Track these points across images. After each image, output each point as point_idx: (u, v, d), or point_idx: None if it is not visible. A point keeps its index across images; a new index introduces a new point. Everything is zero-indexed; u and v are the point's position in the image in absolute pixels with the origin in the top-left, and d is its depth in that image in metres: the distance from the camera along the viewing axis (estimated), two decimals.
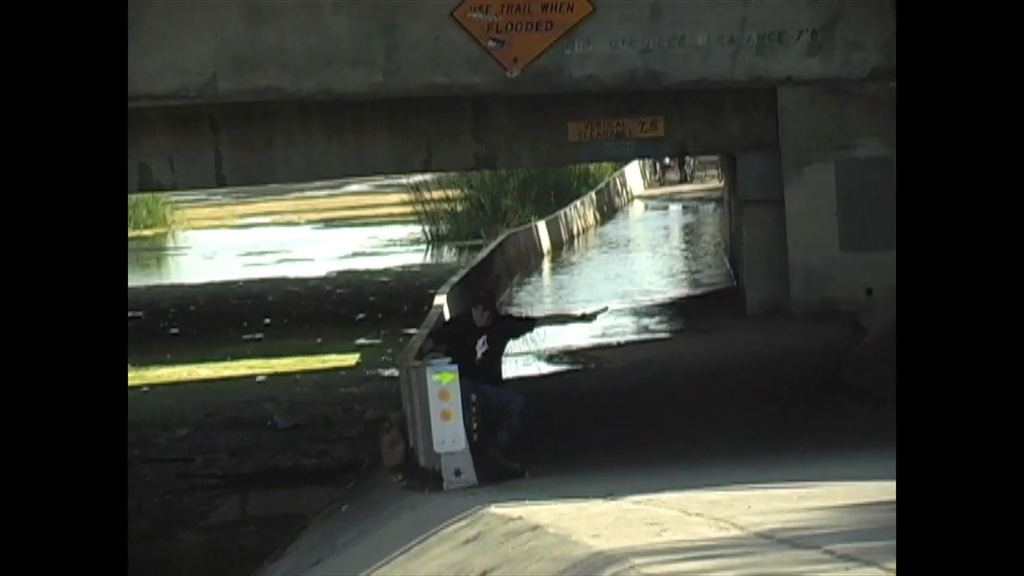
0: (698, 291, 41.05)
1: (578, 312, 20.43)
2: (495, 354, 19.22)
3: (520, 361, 31.52)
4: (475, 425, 18.33)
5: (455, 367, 18.66)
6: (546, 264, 51.73)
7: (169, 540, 21.69)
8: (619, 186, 66.17)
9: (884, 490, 11.41)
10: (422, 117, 28.01)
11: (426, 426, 18.12)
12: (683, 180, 67.05)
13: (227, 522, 23.02)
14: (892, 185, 25.84)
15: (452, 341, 19.33)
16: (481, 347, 18.81)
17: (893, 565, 8.10)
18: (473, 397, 18.31)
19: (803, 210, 29.69)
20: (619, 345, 33.94)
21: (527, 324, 20.90)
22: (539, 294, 45.92)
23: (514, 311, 20.46)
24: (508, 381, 19.89)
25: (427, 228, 57.44)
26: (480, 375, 18.68)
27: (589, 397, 27.75)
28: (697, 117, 29.41)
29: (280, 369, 32.73)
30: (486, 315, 19.09)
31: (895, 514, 9.90)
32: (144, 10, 19.52)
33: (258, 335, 37.19)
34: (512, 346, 20.83)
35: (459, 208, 56.58)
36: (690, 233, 57.24)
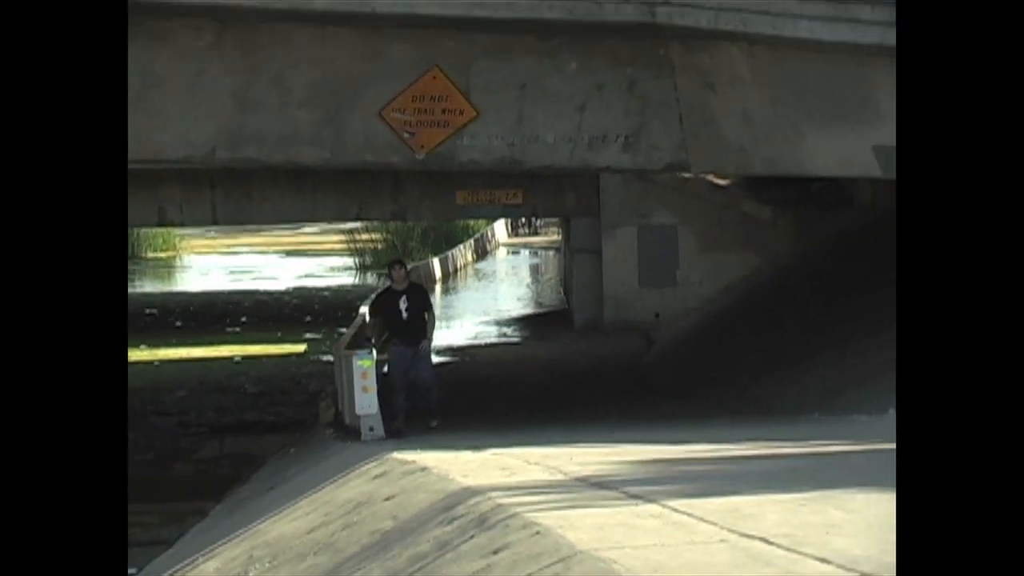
0: (541, 310, 41.92)
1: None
2: (417, 312, 19.62)
3: None
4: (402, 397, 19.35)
5: (373, 355, 20.12)
6: (438, 288, 52.20)
7: (169, 469, 22.64)
8: (489, 236, 68.46)
9: (665, 451, 12.68)
10: (357, 183, 28.61)
11: (351, 396, 19.39)
12: (533, 233, 69.26)
13: (210, 458, 24.09)
14: (675, 243, 29.91)
15: (383, 309, 20.14)
16: (404, 306, 19.41)
17: (669, 502, 8.43)
18: (413, 370, 19.61)
19: (614, 258, 30.70)
20: (486, 345, 35.68)
21: (426, 295, 20.98)
22: (435, 309, 41.35)
23: None
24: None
25: (357, 259, 59.58)
26: (409, 334, 19.56)
27: (466, 380, 29.07)
28: (545, 191, 30.09)
29: (251, 353, 33.68)
30: (402, 273, 20.01)
31: (679, 468, 11.19)
32: (164, 100, 21.05)
33: (236, 329, 38.57)
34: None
35: (379, 247, 57.87)
36: (536, 271, 58.68)
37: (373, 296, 21.16)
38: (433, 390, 19.51)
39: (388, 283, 20.13)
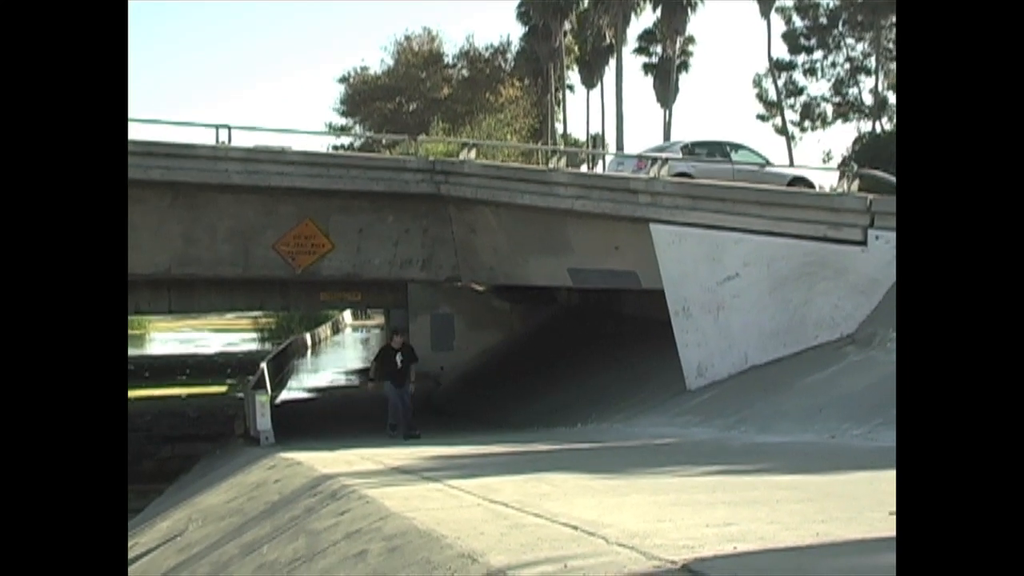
0: (369, 366, 35.09)
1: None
2: (407, 364, 18.15)
3: (294, 392, 34.16)
4: (397, 413, 17.81)
5: (268, 392, 20.34)
6: (309, 352, 51.38)
7: (138, 464, 21.05)
8: (341, 319, 66.92)
9: (448, 450, 12.13)
10: (260, 287, 26.90)
11: (254, 417, 18.77)
12: (367, 318, 65.98)
13: (166, 457, 22.80)
14: (452, 324, 29.49)
15: (384, 358, 18.43)
16: (400, 360, 18.05)
17: (448, 481, 8.08)
18: (402, 400, 17.90)
19: (416, 333, 28.56)
20: (338, 387, 35.75)
21: (415, 353, 18.78)
22: (307, 365, 46.01)
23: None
24: (403, 384, 18.04)
25: (259, 334, 57.77)
26: (399, 377, 17.99)
27: (323, 408, 29.36)
28: (375, 293, 28.25)
29: (193, 392, 32.51)
30: (400, 340, 18.58)
31: (455, 460, 10.66)
32: (139, 238, 19.88)
33: (183, 377, 37.09)
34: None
35: (273, 326, 56.91)
36: (367, 342, 56.85)
37: (378, 350, 19.32)
38: (411, 411, 17.84)
39: (388, 340, 18.68)
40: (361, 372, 37.02)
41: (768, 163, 21.87)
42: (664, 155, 20.04)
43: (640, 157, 21.04)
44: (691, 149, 21.58)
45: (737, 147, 22.02)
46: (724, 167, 20.83)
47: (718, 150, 21.75)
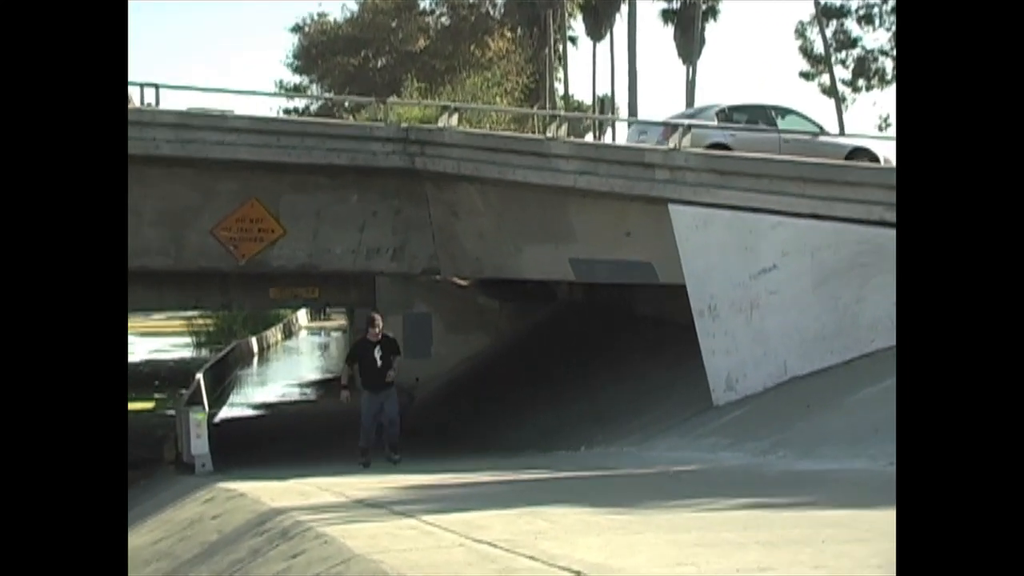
0: (328, 376, 40.00)
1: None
2: (387, 360, 17.18)
3: (236, 408, 34.85)
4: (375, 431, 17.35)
5: (205, 408, 20.53)
6: (255, 360, 52.31)
7: None
8: (295, 321, 68.16)
9: (422, 479, 12.38)
10: (194, 281, 26.29)
11: (187, 440, 18.97)
12: (327, 319, 67.71)
13: None
14: (430, 326, 29.35)
15: (360, 356, 17.54)
16: (378, 355, 17.15)
17: (423, 516, 8.34)
18: (383, 410, 17.23)
19: None
20: (290, 402, 36.37)
21: (397, 345, 17.96)
22: (253, 376, 46.84)
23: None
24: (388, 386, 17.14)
25: (194, 338, 57.56)
26: (378, 377, 17.12)
27: (273, 427, 30.16)
28: (335, 288, 27.93)
29: None
30: (378, 331, 17.43)
31: (431, 491, 11.06)
32: None
33: None
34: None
35: (211, 329, 56.89)
36: (326, 347, 58.58)
37: (351, 347, 18.99)
38: (396, 426, 17.31)
39: (364, 333, 17.92)
40: (319, 384, 37.44)
41: (823, 131, 21.94)
42: (696, 122, 20.12)
43: (666, 124, 20.88)
44: (728, 115, 21.62)
45: (785, 112, 22.06)
46: (769, 137, 20.84)
47: (761, 116, 21.75)
